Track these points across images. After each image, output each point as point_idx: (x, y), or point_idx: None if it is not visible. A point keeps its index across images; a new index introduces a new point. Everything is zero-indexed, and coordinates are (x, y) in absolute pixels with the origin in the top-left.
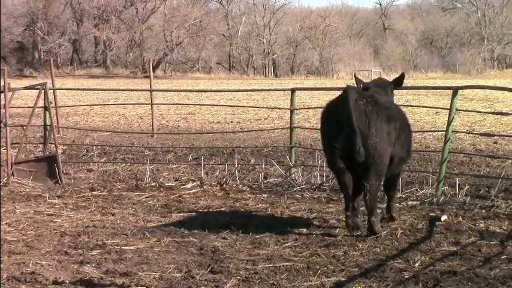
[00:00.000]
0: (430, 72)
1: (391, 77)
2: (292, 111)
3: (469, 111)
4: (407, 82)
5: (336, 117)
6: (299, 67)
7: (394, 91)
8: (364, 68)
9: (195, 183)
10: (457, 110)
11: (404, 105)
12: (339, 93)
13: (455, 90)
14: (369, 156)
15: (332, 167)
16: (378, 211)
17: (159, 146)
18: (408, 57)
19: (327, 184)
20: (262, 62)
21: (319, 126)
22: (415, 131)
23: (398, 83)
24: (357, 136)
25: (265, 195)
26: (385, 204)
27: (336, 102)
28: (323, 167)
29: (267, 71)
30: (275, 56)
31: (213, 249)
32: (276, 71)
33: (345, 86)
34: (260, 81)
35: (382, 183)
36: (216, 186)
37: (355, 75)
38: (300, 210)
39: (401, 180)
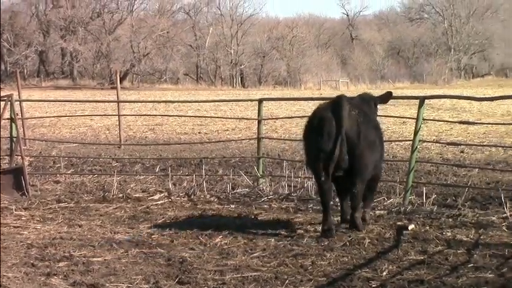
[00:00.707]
0: (397, 82)
1: (358, 87)
2: (259, 122)
3: (436, 120)
4: (373, 92)
5: (327, 124)
6: (266, 78)
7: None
8: (332, 78)
9: (162, 194)
10: (424, 119)
11: None
12: (306, 103)
13: (422, 99)
14: (357, 162)
15: (316, 175)
16: (360, 210)
17: (127, 157)
18: (375, 67)
19: (295, 194)
20: (229, 73)
21: (287, 136)
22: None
23: (384, 99)
24: (343, 144)
25: (233, 206)
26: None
27: (327, 110)
28: (291, 177)
29: (234, 81)
30: (242, 66)
31: (181, 260)
32: (244, 81)
33: (312, 96)
34: (228, 92)
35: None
36: (183, 197)
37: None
38: (267, 221)
39: None
